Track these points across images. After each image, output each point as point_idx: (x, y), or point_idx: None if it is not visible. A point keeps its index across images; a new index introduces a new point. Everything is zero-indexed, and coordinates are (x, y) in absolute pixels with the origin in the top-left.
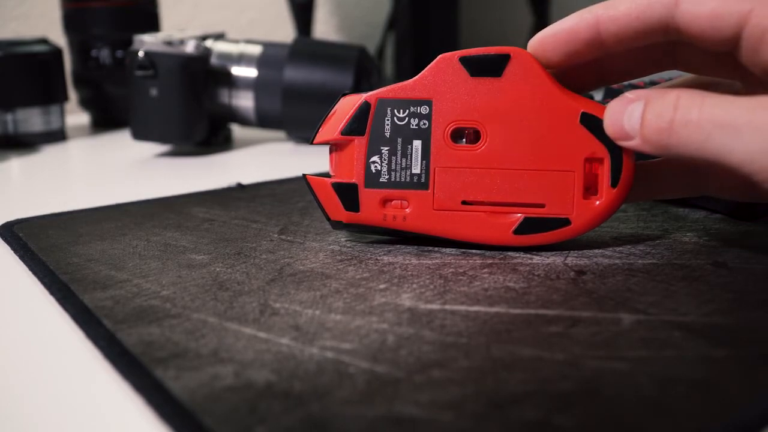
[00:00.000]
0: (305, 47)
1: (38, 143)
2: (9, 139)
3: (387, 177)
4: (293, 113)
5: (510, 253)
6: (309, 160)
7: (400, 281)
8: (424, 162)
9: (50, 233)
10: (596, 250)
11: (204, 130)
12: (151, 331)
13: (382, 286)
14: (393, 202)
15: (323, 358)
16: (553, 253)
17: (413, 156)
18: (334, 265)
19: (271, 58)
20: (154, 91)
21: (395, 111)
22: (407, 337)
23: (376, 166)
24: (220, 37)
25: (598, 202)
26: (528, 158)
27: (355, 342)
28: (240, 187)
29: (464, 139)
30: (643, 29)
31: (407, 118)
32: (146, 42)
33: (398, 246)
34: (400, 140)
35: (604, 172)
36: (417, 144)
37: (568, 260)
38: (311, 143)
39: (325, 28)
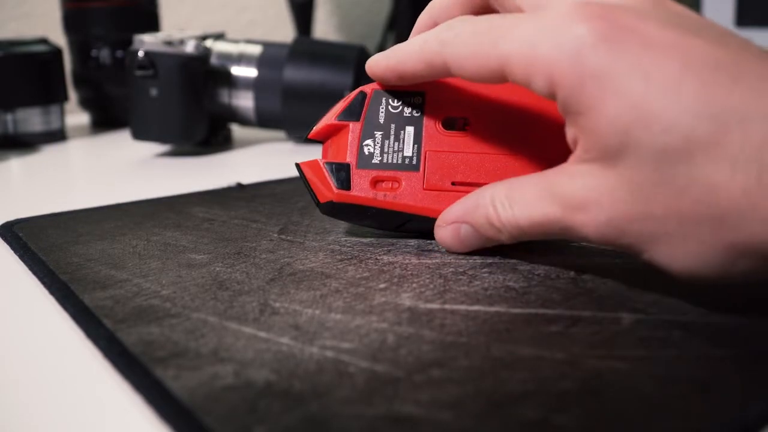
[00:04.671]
0: (305, 47)
1: (38, 143)
2: (9, 139)
3: (379, 159)
4: (293, 113)
5: (510, 253)
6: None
7: (400, 281)
8: (415, 146)
9: (50, 233)
10: (596, 249)
11: (204, 130)
12: (151, 330)
13: (381, 286)
14: (384, 182)
15: (323, 358)
16: (553, 252)
17: (405, 140)
18: (333, 264)
19: (270, 58)
20: (153, 91)
21: (390, 100)
22: (407, 336)
23: (369, 149)
24: (219, 37)
25: None
26: (516, 145)
27: (354, 341)
28: (240, 186)
29: (455, 128)
30: (429, 74)
31: (401, 107)
32: (146, 42)
33: (398, 246)
34: (393, 126)
35: None
36: (410, 129)
37: (568, 260)
38: (305, 139)
39: (324, 28)
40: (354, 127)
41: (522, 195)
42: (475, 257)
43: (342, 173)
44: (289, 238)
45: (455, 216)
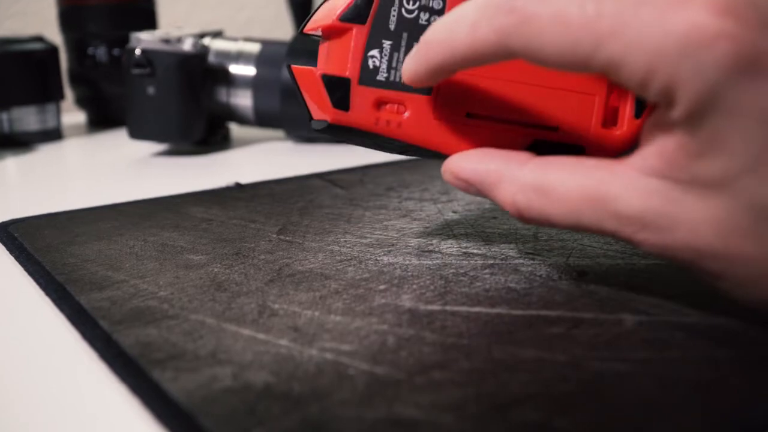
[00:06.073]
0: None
1: (34, 142)
2: (4, 138)
3: (386, 75)
4: (292, 112)
5: (511, 254)
6: (309, 160)
7: (400, 282)
8: None
9: (46, 233)
10: (598, 251)
11: (202, 129)
12: (149, 332)
13: (381, 287)
14: (389, 105)
15: (322, 360)
16: (555, 253)
17: None
18: (333, 265)
19: (269, 56)
20: (151, 90)
21: (404, 2)
22: (407, 338)
23: (374, 62)
24: (218, 34)
25: (618, 133)
26: (545, 74)
27: (354, 343)
28: (238, 186)
29: None
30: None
31: (417, 12)
32: (143, 40)
33: (398, 246)
34: (405, 35)
35: (628, 100)
36: None
37: (570, 261)
38: (300, 33)
39: None
40: (358, 33)
41: (560, 194)
42: (476, 258)
43: (340, 90)
44: (288, 238)
45: (468, 176)
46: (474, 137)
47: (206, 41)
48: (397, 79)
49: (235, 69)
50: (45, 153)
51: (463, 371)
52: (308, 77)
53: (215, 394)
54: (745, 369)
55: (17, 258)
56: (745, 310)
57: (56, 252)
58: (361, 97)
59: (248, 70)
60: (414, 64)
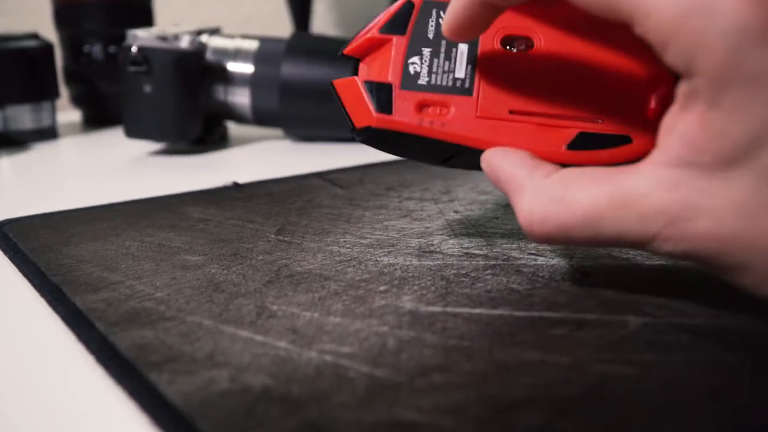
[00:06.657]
0: (303, 43)
1: (29, 141)
2: None
3: (426, 80)
4: (290, 110)
5: (514, 254)
6: (308, 159)
7: (401, 283)
8: (469, 66)
9: (41, 234)
10: (602, 251)
11: (199, 127)
12: (145, 334)
13: (382, 288)
14: (431, 108)
15: (322, 362)
16: (558, 254)
17: (458, 59)
18: (332, 266)
19: (267, 53)
20: (147, 88)
21: (441, 13)
22: (408, 340)
23: (415, 68)
24: (215, 32)
25: (662, 119)
26: (586, 69)
27: (354, 345)
28: (236, 186)
29: (515, 49)
30: None
31: None
32: (139, 37)
33: (399, 247)
34: (444, 42)
35: (671, 90)
36: (463, 47)
37: (574, 261)
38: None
39: (323, 23)
40: (398, 42)
41: (582, 202)
42: (478, 259)
43: (383, 94)
44: (286, 238)
45: (498, 174)
46: (518, 133)
47: (203, 38)
48: (438, 83)
49: (232, 67)
50: (40, 152)
51: (465, 373)
52: (350, 87)
53: (213, 397)
54: (751, 371)
55: (12, 259)
56: (750, 311)
57: (51, 252)
58: (404, 100)
59: (246, 68)
60: (452, 7)
